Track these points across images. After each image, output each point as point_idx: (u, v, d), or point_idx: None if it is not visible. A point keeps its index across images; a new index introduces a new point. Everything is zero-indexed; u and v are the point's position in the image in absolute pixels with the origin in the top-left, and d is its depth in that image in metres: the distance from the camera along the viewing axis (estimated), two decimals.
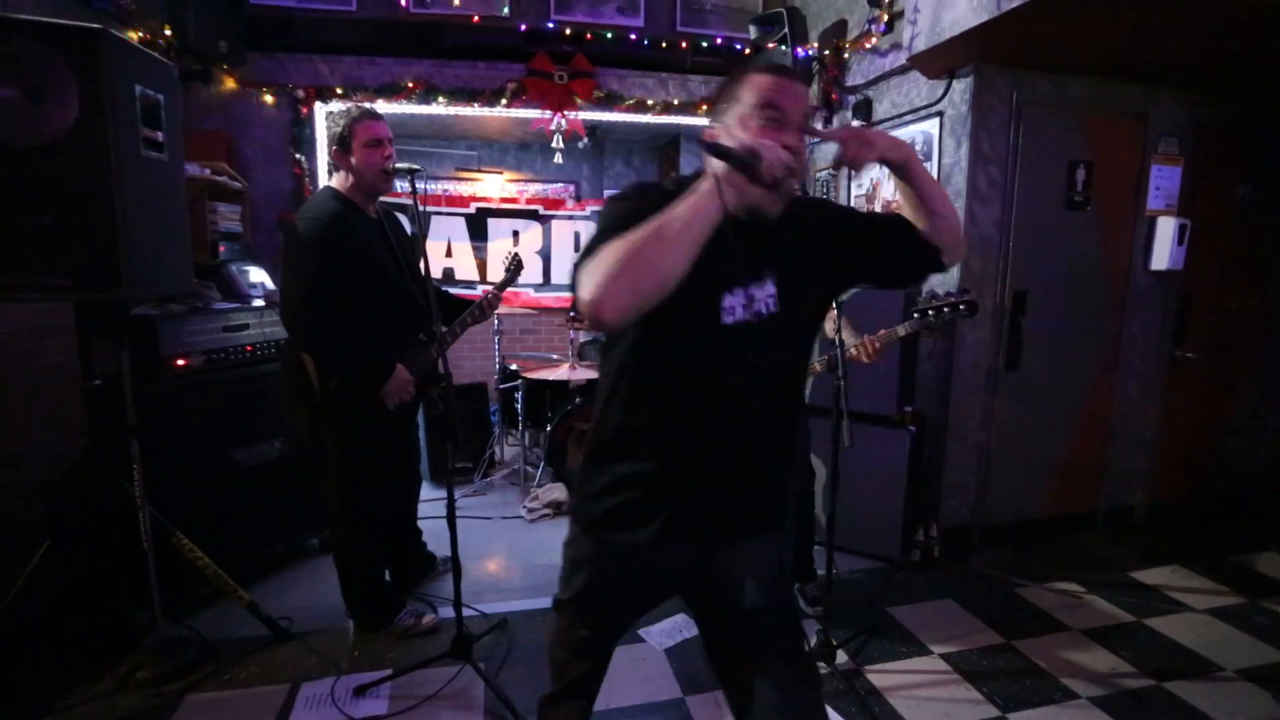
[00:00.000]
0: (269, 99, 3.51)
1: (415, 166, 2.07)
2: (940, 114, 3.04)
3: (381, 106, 3.60)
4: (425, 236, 2.09)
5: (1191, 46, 2.69)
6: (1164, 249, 3.25)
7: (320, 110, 3.60)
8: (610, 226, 1.03)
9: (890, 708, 2.10)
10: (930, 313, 2.16)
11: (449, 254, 5.27)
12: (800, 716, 1.14)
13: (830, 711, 2.07)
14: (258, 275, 3.21)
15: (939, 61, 2.87)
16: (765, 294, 1.13)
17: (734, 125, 1.07)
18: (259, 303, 2.96)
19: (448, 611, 2.59)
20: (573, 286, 1.01)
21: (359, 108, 2.21)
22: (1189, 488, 3.67)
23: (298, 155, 3.57)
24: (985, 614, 2.66)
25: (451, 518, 2.15)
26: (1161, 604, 2.78)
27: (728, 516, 1.20)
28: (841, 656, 2.32)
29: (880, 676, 2.25)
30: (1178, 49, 2.72)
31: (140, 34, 2.98)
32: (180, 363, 2.51)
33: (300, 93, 3.53)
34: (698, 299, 1.07)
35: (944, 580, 2.93)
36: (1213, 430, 3.68)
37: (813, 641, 2.29)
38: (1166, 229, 3.24)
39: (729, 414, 1.15)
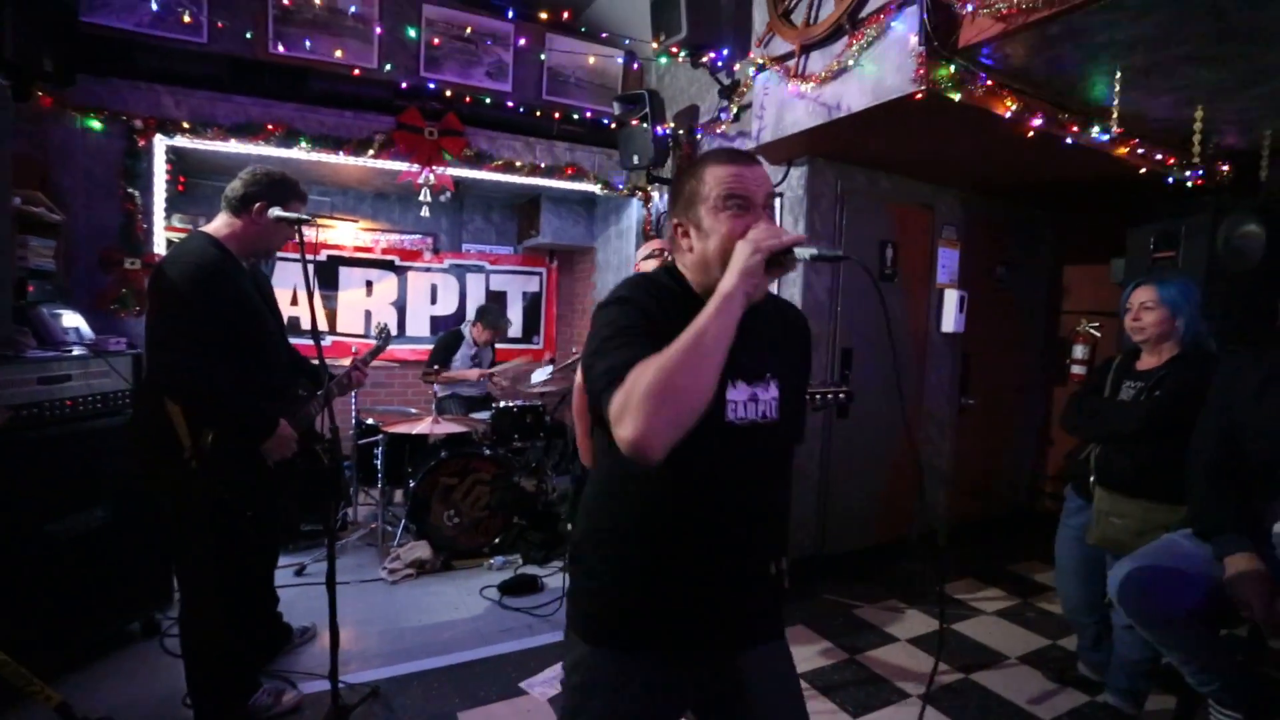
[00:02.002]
0: (96, 125, 3.18)
1: (304, 215, 2.04)
2: (780, 195, 3.54)
3: (235, 146, 3.42)
4: (311, 289, 2.03)
5: (960, 161, 3.45)
6: (950, 315, 3.99)
7: (160, 143, 3.32)
8: (624, 340, 0.99)
9: None
10: (816, 397, 2.43)
11: (294, 302, 4.96)
12: None
13: None
14: (72, 319, 2.84)
15: (780, 152, 3.36)
16: (769, 396, 1.13)
17: (704, 218, 1.09)
18: (79, 351, 2.63)
19: (308, 686, 2.41)
20: (597, 403, 0.98)
21: (297, 185, 2.17)
22: (976, 512, 4.41)
23: (130, 189, 3.23)
24: (831, 634, 2.99)
25: (331, 580, 2.06)
26: (963, 610, 3.31)
27: (741, 620, 1.19)
28: None
29: None
30: (954, 162, 3.47)
31: None
32: None
33: (139, 123, 3.23)
34: None
35: (795, 608, 3.24)
36: (989, 464, 4.48)
37: None
38: (951, 299, 3.99)
39: (732, 514, 1.13)
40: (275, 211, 2.07)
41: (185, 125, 3.32)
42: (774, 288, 3.51)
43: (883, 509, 3.93)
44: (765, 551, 1.20)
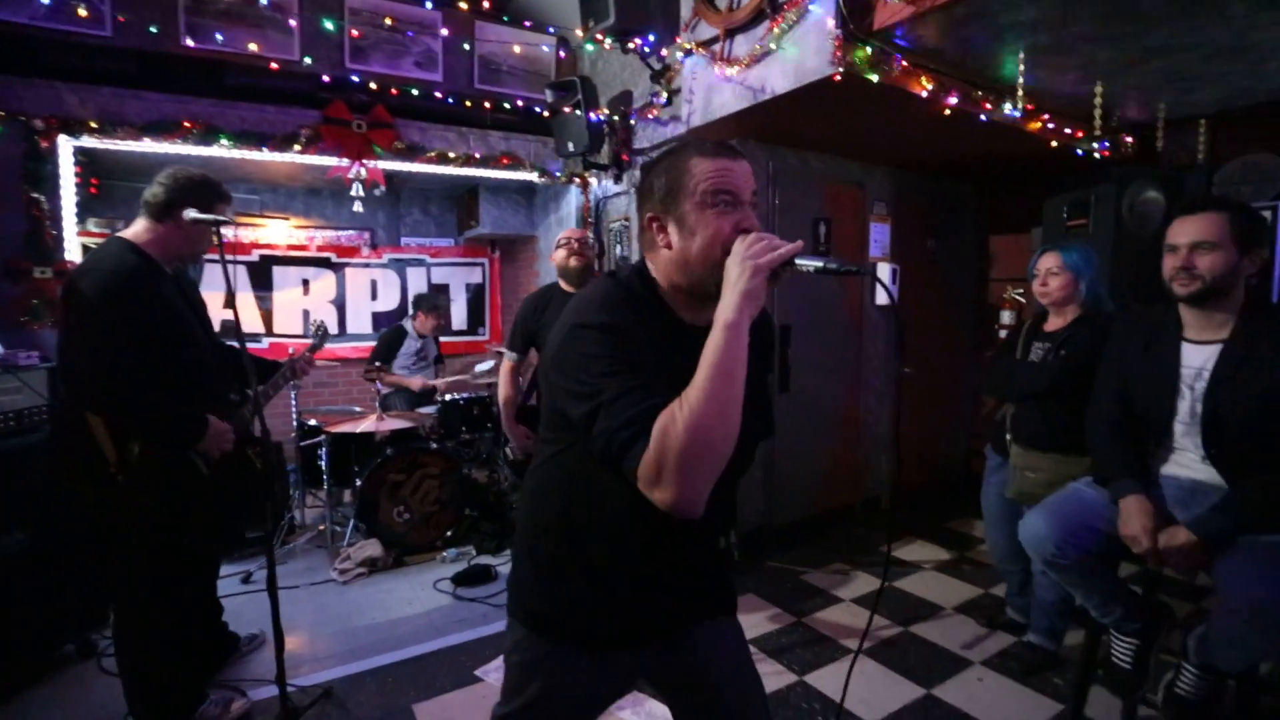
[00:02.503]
0: None
1: (222, 217, 1.99)
2: None
3: (150, 145, 3.28)
4: (233, 291, 1.99)
5: (886, 140, 3.56)
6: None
7: (65, 144, 3.15)
8: (628, 383, 0.92)
9: None
10: None
11: (227, 304, 4.78)
12: None
13: (657, 704, 2.30)
14: None
15: (711, 134, 3.40)
16: None
17: (688, 214, 1.02)
18: None
19: (258, 693, 2.38)
20: (612, 459, 0.92)
21: (220, 186, 2.10)
22: (917, 475, 4.60)
23: (35, 194, 3.07)
24: (780, 600, 3.11)
25: (272, 583, 2.03)
26: (904, 569, 3.48)
27: (696, 607, 1.19)
28: None
29: None
30: (879, 140, 3.58)
31: None
32: None
33: (39, 123, 3.06)
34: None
35: (745, 578, 3.34)
36: (928, 429, 4.68)
37: None
38: (884, 272, 4.13)
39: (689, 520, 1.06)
40: (192, 214, 2.01)
41: (92, 124, 3.16)
42: None
43: (827, 478, 4.07)
44: (716, 535, 1.21)
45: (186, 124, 3.33)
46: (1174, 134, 3.44)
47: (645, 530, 1.07)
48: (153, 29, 3.29)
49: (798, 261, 0.96)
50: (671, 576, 1.13)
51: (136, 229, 2.06)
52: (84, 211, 3.47)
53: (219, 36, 3.41)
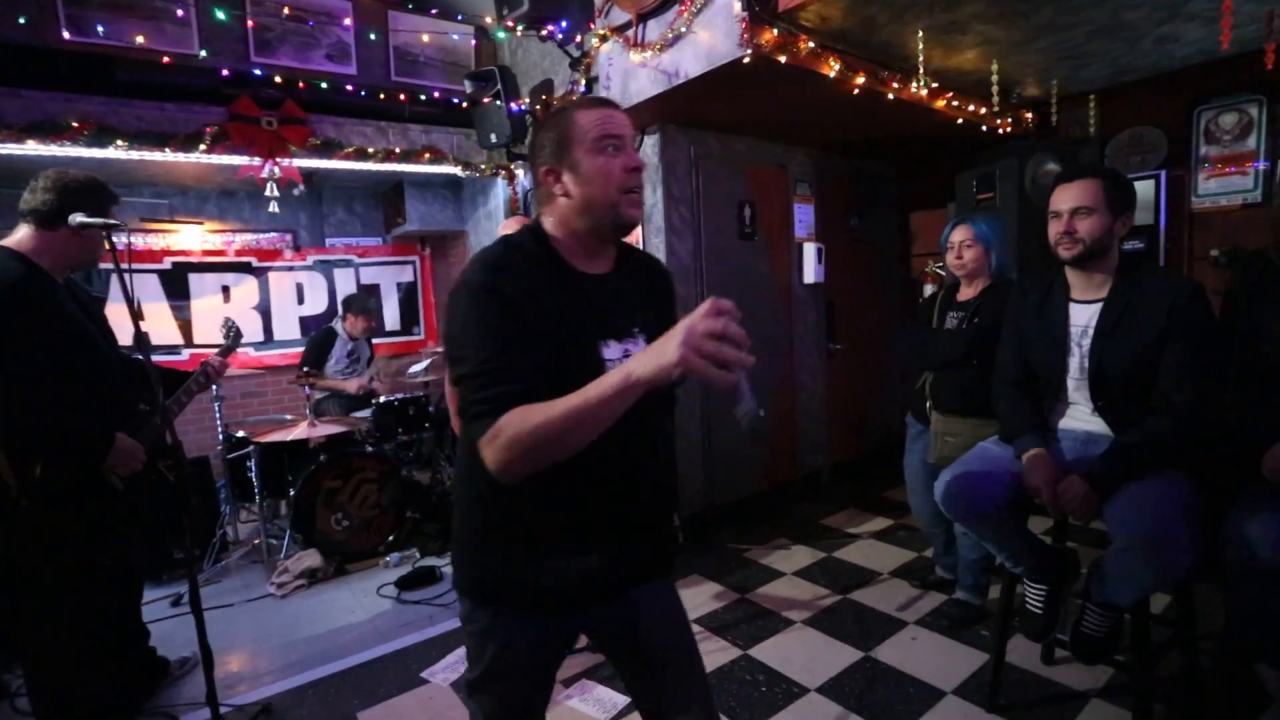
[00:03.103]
0: None
1: (112, 220, 1.88)
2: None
3: (35, 148, 3.06)
4: (132, 299, 1.88)
5: (803, 121, 3.64)
6: (810, 267, 4.24)
7: None
8: (493, 357, 0.99)
9: None
10: None
11: (142, 316, 4.52)
12: None
13: (605, 689, 2.33)
14: None
15: (632, 121, 3.42)
16: (639, 350, 1.12)
17: (582, 160, 1.09)
18: None
19: (190, 717, 2.30)
20: (463, 410, 1.02)
21: (107, 186, 1.99)
22: (854, 448, 4.76)
23: None
24: (724, 579, 3.17)
25: (195, 597, 1.94)
26: (843, 539, 3.60)
27: (631, 570, 1.22)
28: None
29: None
30: (797, 122, 3.65)
31: None
32: None
33: None
34: (579, 353, 1.08)
35: (690, 560, 3.39)
36: (862, 402, 4.84)
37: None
38: (810, 252, 4.23)
39: (620, 469, 1.15)
40: (79, 218, 1.90)
41: None
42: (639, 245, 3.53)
43: (766, 457, 4.16)
44: (652, 501, 1.24)
45: (76, 124, 3.11)
46: (1068, 109, 3.65)
47: (570, 491, 1.12)
48: (22, 20, 3.06)
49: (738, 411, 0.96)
50: (602, 537, 1.17)
51: (20, 237, 1.94)
52: None
53: (100, 28, 3.19)
